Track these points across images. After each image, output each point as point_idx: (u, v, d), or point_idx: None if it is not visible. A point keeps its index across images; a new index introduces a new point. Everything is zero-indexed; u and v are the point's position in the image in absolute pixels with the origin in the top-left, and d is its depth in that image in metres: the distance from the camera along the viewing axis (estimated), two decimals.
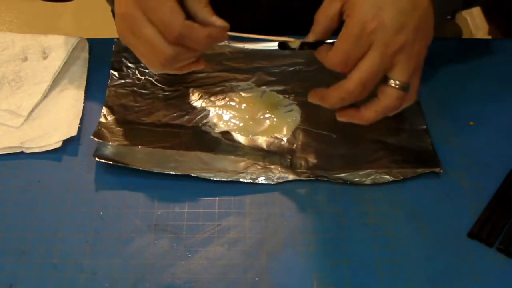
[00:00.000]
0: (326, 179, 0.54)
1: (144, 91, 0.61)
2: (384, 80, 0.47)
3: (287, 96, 0.61)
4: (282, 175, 0.54)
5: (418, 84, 0.48)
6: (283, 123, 0.58)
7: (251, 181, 0.54)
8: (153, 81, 0.62)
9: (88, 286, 0.47)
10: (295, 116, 0.59)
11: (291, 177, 0.54)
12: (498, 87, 0.62)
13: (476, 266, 0.49)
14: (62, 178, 0.55)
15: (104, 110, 0.59)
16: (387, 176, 0.54)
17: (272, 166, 0.55)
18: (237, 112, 0.59)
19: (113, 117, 0.58)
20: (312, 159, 0.55)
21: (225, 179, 0.54)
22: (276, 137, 0.57)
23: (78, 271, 0.48)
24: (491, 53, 0.66)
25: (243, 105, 0.60)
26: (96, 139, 0.55)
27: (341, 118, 0.50)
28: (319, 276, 0.48)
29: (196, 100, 0.61)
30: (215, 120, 0.59)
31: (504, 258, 0.49)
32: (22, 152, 0.56)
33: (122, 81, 0.62)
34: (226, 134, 0.57)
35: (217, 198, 0.53)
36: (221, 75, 0.63)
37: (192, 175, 0.54)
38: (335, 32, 0.48)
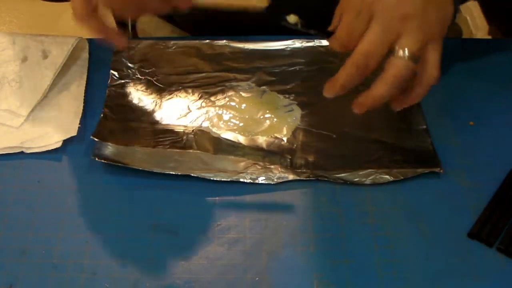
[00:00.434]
0: (326, 179, 0.54)
1: (144, 91, 0.61)
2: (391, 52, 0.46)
3: (287, 96, 0.61)
4: (282, 175, 0.54)
5: (438, 59, 0.47)
6: (283, 123, 0.58)
7: (251, 181, 0.54)
8: (153, 81, 0.62)
9: (88, 286, 0.47)
10: (295, 116, 0.59)
11: (291, 177, 0.54)
12: (498, 87, 0.62)
13: (476, 266, 0.49)
14: (62, 178, 0.55)
15: (104, 110, 0.59)
16: (387, 176, 0.54)
17: (272, 166, 0.55)
18: (237, 112, 0.59)
19: (113, 117, 0.58)
20: (312, 159, 0.55)
21: (225, 179, 0.54)
22: (276, 137, 0.57)
23: (78, 271, 0.48)
24: (491, 53, 0.66)
25: (243, 105, 0.60)
26: (96, 139, 0.55)
27: (357, 105, 0.49)
28: (319, 276, 0.48)
29: (196, 100, 0.61)
30: (215, 120, 0.59)
31: (504, 258, 0.49)
32: (22, 152, 0.56)
33: (122, 81, 0.62)
34: (226, 134, 0.57)
35: (217, 198, 0.53)
36: (221, 75, 0.63)
37: (192, 175, 0.54)
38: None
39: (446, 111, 0.60)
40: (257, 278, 0.48)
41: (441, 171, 0.54)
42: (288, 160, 0.55)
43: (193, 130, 0.57)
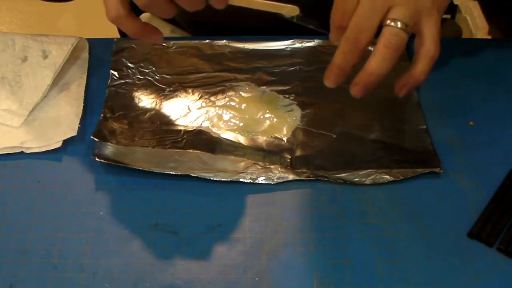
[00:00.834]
0: (326, 179, 0.54)
1: (144, 91, 0.61)
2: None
3: (287, 96, 0.61)
4: (282, 175, 0.54)
5: (434, 33, 0.47)
6: (283, 123, 0.58)
7: (251, 181, 0.54)
8: (153, 81, 0.62)
9: (88, 286, 0.47)
10: (295, 116, 0.59)
11: (291, 177, 0.54)
12: (498, 87, 0.62)
13: (476, 266, 0.49)
14: (62, 178, 0.55)
15: (104, 110, 0.59)
16: (387, 176, 0.54)
17: (272, 166, 0.55)
18: (237, 112, 0.59)
19: (113, 117, 0.58)
20: (312, 159, 0.55)
21: (225, 179, 0.54)
22: (276, 137, 0.57)
23: (78, 271, 0.48)
24: (491, 53, 0.66)
25: (243, 105, 0.60)
26: (96, 139, 0.55)
27: (353, 87, 0.48)
28: (319, 276, 0.48)
29: (196, 100, 0.61)
30: (215, 120, 0.59)
31: (504, 258, 0.49)
32: (22, 152, 0.56)
33: (122, 81, 0.62)
34: (226, 134, 0.57)
35: (217, 198, 0.53)
36: (221, 75, 0.63)
37: (192, 175, 0.54)
38: None
39: (446, 111, 0.60)
40: (257, 278, 0.48)
41: (441, 171, 0.54)
42: (288, 160, 0.55)
43: (193, 130, 0.57)
